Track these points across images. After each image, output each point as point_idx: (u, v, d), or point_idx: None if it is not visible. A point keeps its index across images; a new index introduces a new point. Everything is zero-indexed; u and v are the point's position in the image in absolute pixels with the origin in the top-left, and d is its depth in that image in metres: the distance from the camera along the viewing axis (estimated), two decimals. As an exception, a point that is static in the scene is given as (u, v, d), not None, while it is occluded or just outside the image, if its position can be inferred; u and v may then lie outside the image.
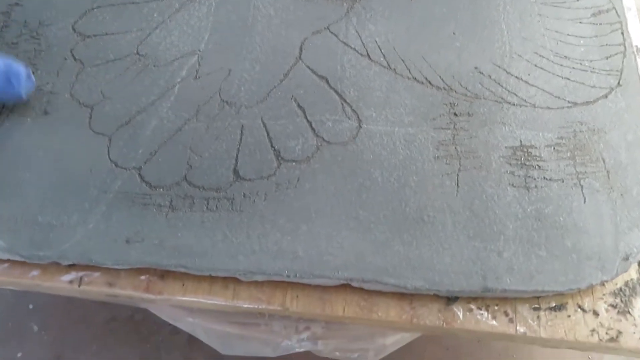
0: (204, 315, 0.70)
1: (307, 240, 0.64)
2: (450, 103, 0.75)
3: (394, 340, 0.73)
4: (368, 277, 0.63)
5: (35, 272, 0.65)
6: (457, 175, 0.69)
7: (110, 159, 0.70)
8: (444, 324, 0.63)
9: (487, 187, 0.68)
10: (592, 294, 0.65)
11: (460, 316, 0.63)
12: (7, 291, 1.00)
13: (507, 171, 0.69)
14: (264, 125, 0.72)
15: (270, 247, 0.64)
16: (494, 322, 0.63)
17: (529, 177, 0.69)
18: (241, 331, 0.70)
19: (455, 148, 0.71)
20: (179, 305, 0.65)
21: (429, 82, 0.76)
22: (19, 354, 0.96)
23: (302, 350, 0.71)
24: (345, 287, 0.64)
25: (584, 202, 0.67)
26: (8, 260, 0.66)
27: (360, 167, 0.69)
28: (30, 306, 1.00)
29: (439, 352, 0.88)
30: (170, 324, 0.90)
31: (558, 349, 0.79)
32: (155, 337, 0.93)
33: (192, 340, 0.91)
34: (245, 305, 0.63)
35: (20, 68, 0.71)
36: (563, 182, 0.68)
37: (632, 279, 0.65)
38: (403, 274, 0.63)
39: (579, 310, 0.64)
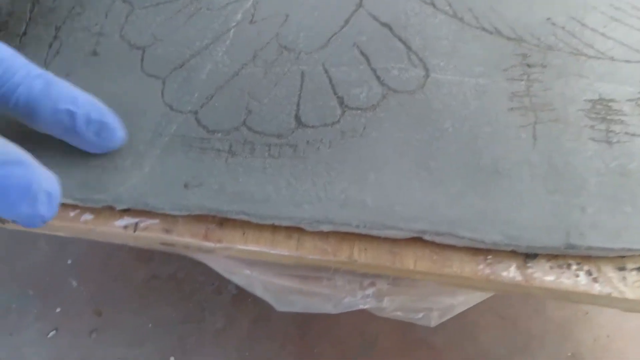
0: (262, 268, 0.65)
1: (376, 189, 0.59)
2: (523, 54, 0.69)
3: (462, 301, 0.68)
4: (442, 230, 0.58)
5: (88, 217, 0.61)
6: (533, 127, 0.64)
7: (164, 101, 0.65)
8: (524, 281, 0.57)
9: (566, 141, 0.63)
10: (683, 254, 0.59)
11: (540, 274, 0.58)
12: (44, 245, 0.96)
13: (586, 125, 0.64)
14: (326, 72, 0.67)
15: (337, 196, 0.59)
16: (576, 281, 0.57)
17: (611, 131, 0.63)
18: (302, 286, 0.65)
19: (530, 100, 0.66)
20: (238, 256, 0.60)
21: (499, 32, 0.71)
22: (58, 309, 0.92)
23: (365, 307, 0.66)
24: (416, 241, 0.59)
25: (670, 158, 0.62)
26: (60, 204, 0.61)
27: (429, 116, 0.64)
28: (69, 261, 0.96)
29: (495, 321, 0.83)
30: (213, 283, 0.87)
31: (623, 321, 0.74)
32: (198, 296, 0.88)
33: (236, 300, 0.87)
34: (311, 257, 0.59)
35: (113, 119, 0.60)
36: (647, 137, 0.63)
37: None
38: (479, 227, 0.58)
39: (668, 271, 0.58)
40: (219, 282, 0.87)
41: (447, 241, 0.59)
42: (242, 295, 0.85)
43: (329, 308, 0.67)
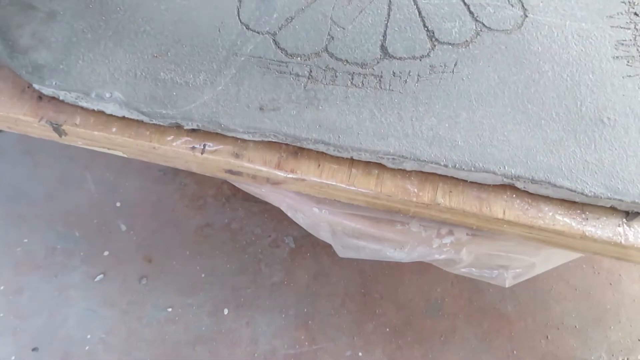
0: (331, 207, 0.62)
1: (468, 129, 0.56)
2: (629, 2, 0.65)
3: (542, 260, 0.64)
4: (539, 177, 0.53)
5: (152, 134, 0.58)
6: (641, 78, 0.59)
7: (240, 20, 0.62)
8: (624, 240, 0.53)
9: (679, 95, 0.58)
10: None
11: (643, 235, 0.53)
12: (92, 186, 0.94)
13: None
14: (415, 3, 0.63)
15: (425, 133, 0.55)
16: (685, 245, 0.53)
17: None
18: (373, 229, 0.61)
19: (637, 50, 0.62)
20: (309, 191, 0.57)
21: (605, -24, 0.66)
22: (106, 253, 0.90)
23: (441, 257, 0.62)
24: (506, 188, 0.55)
25: None
26: (123, 118, 0.58)
27: (527, 58, 0.60)
28: (118, 204, 0.94)
29: (567, 292, 0.79)
30: (269, 236, 0.84)
31: None
32: (253, 248, 0.86)
33: (294, 254, 0.85)
34: (391, 196, 0.55)
35: None
36: None
37: None
38: (580, 177, 0.53)
39: None
40: (276, 235, 0.84)
41: (542, 191, 0.54)
42: (300, 249, 0.82)
43: (401, 256, 0.63)
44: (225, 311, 0.82)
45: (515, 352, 0.75)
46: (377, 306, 0.80)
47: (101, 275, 0.88)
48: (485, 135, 0.55)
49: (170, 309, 0.83)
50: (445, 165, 0.54)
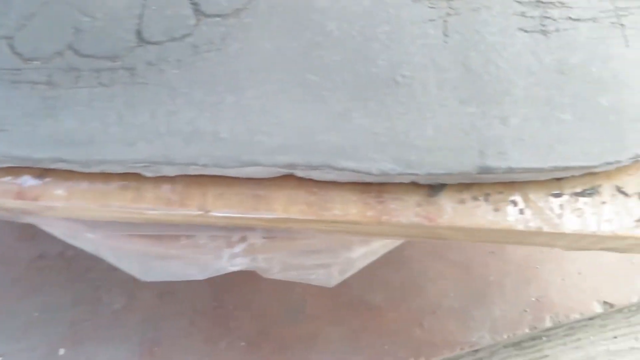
0: (106, 229, 0.57)
1: (233, 116, 0.51)
2: None
3: (363, 253, 0.60)
4: (317, 162, 0.49)
5: None
6: (445, 20, 0.55)
7: (-31, 29, 0.57)
8: (427, 220, 0.49)
9: (487, 34, 0.54)
10: (638, 171, 0.50)
11: (449, 210, 0.50)
12: None
13: (515, 12, 0.55)
14: (180, -28, 0.59)
15: (182, 128, 0.51)
16: (496, 215, 0.49)
17: (547, 17, 0.54)
18: (155, 248, 0.58)
19: (443, -15, 0.57)
20: (65, 216, 0.52)
21: None
22: None
23: (237, 269, 0.58)
24: (288, 179, 0.51)
25: (627, 46, 0.53)
26: None
27: (309, 18, 0.56)
28: None
29: (444, 269, 0.77)
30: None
31: (597, 255, 0.66)
32: (91, 274, 0.82)
33: (137, 276, 0.80)
34: (151, 211, 0.51)
35: None
36: (595, 21, 0.54)
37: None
38: (367, 154, 0.49)
39: (618, 194, 0.50)
40: (117, 257, 0.80)
41: (326, 176, 0.51)
42: (145, 268, 0.78)
43: (194, 273, 0.59)
44: (62, 351, 0.78)
45: (386, 347, 0.72)
46: (231, 319, 0.76)
47: None
48: (253, 121, 0.51)
49: (-2, 360, 0.80)
50: (205, 165, 0.50)
